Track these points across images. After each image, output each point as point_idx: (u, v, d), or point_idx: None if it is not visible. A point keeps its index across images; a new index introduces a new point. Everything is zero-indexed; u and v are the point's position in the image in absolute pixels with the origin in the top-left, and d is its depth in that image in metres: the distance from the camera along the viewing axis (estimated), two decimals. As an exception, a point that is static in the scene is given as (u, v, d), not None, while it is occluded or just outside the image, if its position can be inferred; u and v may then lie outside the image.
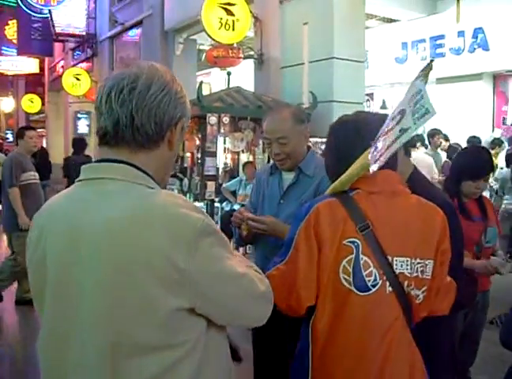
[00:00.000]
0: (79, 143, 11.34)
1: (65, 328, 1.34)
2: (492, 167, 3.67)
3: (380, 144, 1.70)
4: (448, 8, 10.73)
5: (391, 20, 11.94)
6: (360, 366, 1.76)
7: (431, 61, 1.68)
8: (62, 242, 1.36)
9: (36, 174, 6.68)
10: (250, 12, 9.41)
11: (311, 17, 8.70)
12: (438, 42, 11.41)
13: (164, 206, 1.33)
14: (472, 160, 3.45)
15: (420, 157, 7.93)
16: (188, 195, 7.98)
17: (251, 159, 8.21)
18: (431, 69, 1.65)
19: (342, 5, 8.49)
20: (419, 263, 1.79)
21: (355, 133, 1.92)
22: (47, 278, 1.38)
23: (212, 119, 7.04)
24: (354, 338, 1.77)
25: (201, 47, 13.30)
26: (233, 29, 9.18)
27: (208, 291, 1.34)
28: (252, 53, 10.09)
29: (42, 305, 1.42)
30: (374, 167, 1.69)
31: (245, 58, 10.17)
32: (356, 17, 8.76)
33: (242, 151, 8.24)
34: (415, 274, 1.79)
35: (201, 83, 7.50)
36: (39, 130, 29.89)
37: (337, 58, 8.40)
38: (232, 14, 9.19)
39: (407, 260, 1.77)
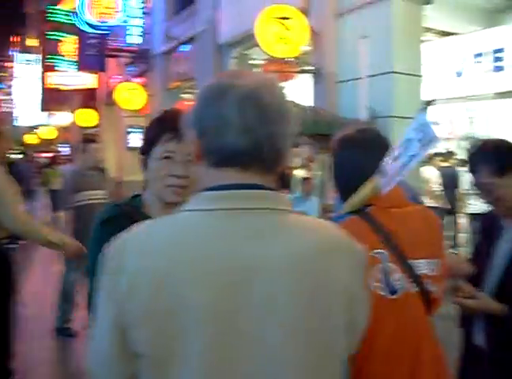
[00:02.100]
0: None
1: None
2: None
3: (390, 169, 1.89)
4: (508, 20, 10.46)
5: (448, 34, 11.72)
6: (395, 364, 1.89)
7: (433, 100, 1.75)
8: (214, 286, 1.13)
9: (96, 192, 6.11)
10: (306, 25, 9.34)
11: (369, 31, 8.57)
12: (498, 55, 11.11)
13: (338, 236, 1.25)
14: None
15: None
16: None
17: (308, 175, 8.10)
18: (431, 104, 1.70)
19: (400, 19, 8.37)
20: (433, 262, 1.98)
21: (363, 154, 2.05)
22: (183, 330, 1.12)
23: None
24: (389, 337, 1.90)
25: (255, 62, 13.28)
26: (289, 43, 9.11)
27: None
28: (307, 67, 10.01)
29: (173, 361, 1.13)
30: (385, 190, 1.91)
31: (300, 72, 10.11)
32: (414, 31, 8.63)
33: (298, 167, 8.14)
34: (432, 273, 1.97)
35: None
36: (93, 144, 30.63)
37: (396, 73, 8.25)
38: (288, 28, 9.14)
39: (425, 262, 1.96)
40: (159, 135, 1.96)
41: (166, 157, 1.96)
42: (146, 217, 1.96)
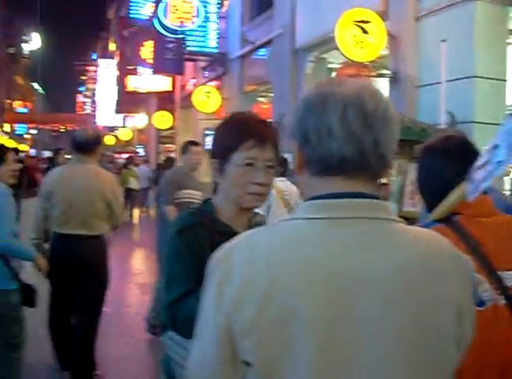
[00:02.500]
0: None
1: None
2: None
3: (477, 176, 1.82)
4: None
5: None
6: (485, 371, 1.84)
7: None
8: (322, 295, 1.10)
9: (195, 192, 6.11)
10: (385, 29, 9.22)
11: (450, 34, 8.35)
12: None
13: (446, 247, 1.23)
14: None
15: None
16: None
17: (385, 180, 7.96)
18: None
19: (483, 21, 8.11)
20: None
21: (448, 163, 2.05)
22: (291, 339, 1.10)
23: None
24: (476, 349, 1.75)
25: (331, 66, 13.20)
26: (367, 47, 9.01)
27: None
28: (385, 71, 9.87)
29: (281, 369, 1.11)
30: (471, 197, 1.84)
31: (377, 76, 9.98)
32: (499, 33, 8.36)
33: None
34: None
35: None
36: (167, 146, 31.14)
37: (478, 77, 8.02)
38: (367, 32, 9.03)
39: None
40: (240, 141, 1.93)
41: (247, 164, 1.93)
42: (222, 224, 1.97)
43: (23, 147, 70.13)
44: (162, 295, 1.98)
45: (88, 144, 4.95)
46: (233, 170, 1.94)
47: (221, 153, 1.98)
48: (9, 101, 65.03)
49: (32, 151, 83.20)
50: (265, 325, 1.11)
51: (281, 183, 6.12)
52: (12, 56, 67.45)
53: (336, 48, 9.25)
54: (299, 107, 1.24)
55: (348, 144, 1.16)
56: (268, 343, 1.11)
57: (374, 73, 9.89)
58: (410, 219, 2.93)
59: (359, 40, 8.93)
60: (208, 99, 17.65)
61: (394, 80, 9.51)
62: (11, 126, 66.46)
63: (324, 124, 1.18)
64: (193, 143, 6.56)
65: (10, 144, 58.67)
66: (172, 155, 29.34)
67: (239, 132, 1.95)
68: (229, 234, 1.64)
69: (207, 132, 17.70)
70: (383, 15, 9.38)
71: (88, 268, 4.82)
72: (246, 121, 2.01)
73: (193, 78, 22.50)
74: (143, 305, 7.11)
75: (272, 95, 15.19)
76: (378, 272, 1.12)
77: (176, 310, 1.82)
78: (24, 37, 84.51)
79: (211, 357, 1.17)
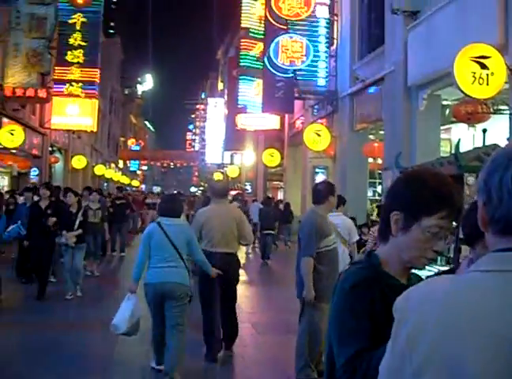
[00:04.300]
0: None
1: None
2: None
3: None
4: None
5: None
6: None
7: None
8: (495, 348, 1.07)
9: (333, 239, 6.14)
10: (505, 64, 8.94)
11: None
12: None
13: None
14: None
15: None
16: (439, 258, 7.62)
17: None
18: None
19: None
20: None
21: None
22: None
23: (470, 179, 6.67)
24: None
25: (445, 103, 12.93)
26: (487, 83, 8.74)
27: None
28: (503, 107, 9.55)
29: None
30: None
31: (495, 113, 9.67)
32: None
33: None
34: None
35: (459, 141, 7.21)
36: (275, 183, 31.53)
37: None
38: (486, 67, 8.78)
39: None
40: (439, 209, 1.89)
41: (435, 232, 1.90)
42: (390, 277, 1.94)
43: (135, 182, 73.30)
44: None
45: (224, 191, 7.41)
46: (419, 233, 1.91)
47: (411, 211, 1.93)
48: (123, 139, 68.21)
49: (143, 187, 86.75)
50: (435, 366, 1.09)
51: (334, 217, 6.62)
52: (127, 97, 71.00)
53: (451, 84, 9.06)
54: (487, 165, 1.22)
55: None
56: None
57: (492, 110, 9.60)
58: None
59: (478, 76, 8.70)
60: (318, 137, 17.77)
61: (515, 117, 9.18)
62: (124, 163, 69.61)
63: (505, 183, 1.15)
64: (332, 192, 6.35)
65: (124, 180, 61.60)
66: (280, 192, 29.63)
67: (440, 199, 1.90)
68: (398, 286, 1.63)
69: (317, 170, 17.78)
70: (502, 49, 9.10)
71: (227, 273, 6.77)
72: (448, 188, 1.95)
73: (302, 116, 22.71)
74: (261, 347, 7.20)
75: (383, 133, 15.05)
76: None
77: (358, 366, 1.81)
78: (137, 79, 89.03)
79: None
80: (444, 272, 2.38)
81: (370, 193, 18.42)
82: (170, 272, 5.99)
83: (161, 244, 6.06)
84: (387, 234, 1.99)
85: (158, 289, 5.98)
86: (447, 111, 12.91)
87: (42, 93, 21.39)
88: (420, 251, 1.93)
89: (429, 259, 1.95)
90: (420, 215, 1.90)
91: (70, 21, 25.87)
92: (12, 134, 20.31)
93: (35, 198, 12.30)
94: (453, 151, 6.82)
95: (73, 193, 11.55)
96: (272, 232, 18.58)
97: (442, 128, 13.07)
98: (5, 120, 21.45)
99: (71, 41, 25.67)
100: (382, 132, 15.41)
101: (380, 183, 17.16)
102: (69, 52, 25.64)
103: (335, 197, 6.31)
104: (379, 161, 16.03)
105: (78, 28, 25.95)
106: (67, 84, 25.77)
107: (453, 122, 12.94)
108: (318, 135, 17.80)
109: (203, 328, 6.94)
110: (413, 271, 2.08)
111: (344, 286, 1.96)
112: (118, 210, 17.46)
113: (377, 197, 18.81)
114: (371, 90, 15.75)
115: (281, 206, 22.51)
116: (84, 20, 26.18)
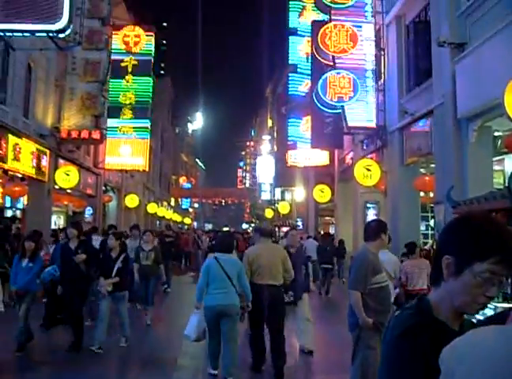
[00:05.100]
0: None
1: None
2: None
3: None
4: None
5: None
6: None
7: None
8: None
9: (385, 276, 6.17)
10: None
11: None
12: None
13: None
14: None
15: None
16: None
17: None
18: None
19: None
20: None
21: None
22: None
23: (524, 212, 6.55)
24: None
25: (497, 134, 12.72)
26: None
27: None
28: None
29: None
30: None
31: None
32: None
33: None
34: None
35: None
36: (327, 218, 31.35)
37: None
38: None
39: None
40: (492, 255, 1.85)
41: (488, 278, 1.86)
42: (441, 323, 1.90)
43: (187, 220, 73.90)
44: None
45: (269, 233, 8.93)
46: (472, 278, 1.87)
47: (462, 256, 1.89)
48: (174, 177, 69.16)
49: (195, 224, 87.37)
50: None
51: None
52: (177, 135, 72.25)
53: (502, 115, 8.93)
54: None
55: None
56: None
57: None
58: None
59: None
60: (368, 172, 17.71)
61: None
62: (176, 200, 70.42)
63: None
64: (385, 230, 6.32)
65: (176, 217, 62.18)
66: (331, 227, 29.41)
67: (492, 244, 1.86)
68: (449, 333, 1.60)
69: (368, 205, 17.65)
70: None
71: (273, 301, 8.00)
72: (502, 233, 1.90)
73: (351, 151, 22.68)
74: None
75: (434, 166, 14.88)
76: None
77: None
78: (188, 117, 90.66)
79: None
80: (498, 315, 2.29)
81: (423, 227, 18.16)
82: (224, 296, 7.55)
83: (217, 274, 7.60)
84: (439, 279, 1.95)
85: (215, 309, 7.55)
86: (499, 142, 12.71)
87: (96, 135, 21.99)
88: (472, 296, 1.88)
89: (481, 305, 1.89)
90: (472, 260, 1.86)
91: (122, 64, 26.95)
92: (67, 175, 20.98)
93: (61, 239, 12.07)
94: (506, 184, 6.67)
95: (116, 236, 10.28)
96: (331, 266, 18.75)
97: (494, 159, 12.83)
98: (61, 161, 22.13)
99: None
100: (432, 165, 15.23)
101: (433, 217, 16.89)
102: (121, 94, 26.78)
103: (387, 234, 6.25)
104: (431, 195, 15.83)
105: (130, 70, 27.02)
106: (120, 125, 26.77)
107: (505, 153, 12.72)
108: (368, 170, 17.75)
109: (249, 343, 8.42)
110: (466, 317, 2.03)
111: (393, 333, 1.90)
112: (166, 247, 17.54)
113: (430, 232, 18.51)
114: (421, 123, 15.64)
115: (335, 242, 22.40)
116: (135, 62, 27.20)
